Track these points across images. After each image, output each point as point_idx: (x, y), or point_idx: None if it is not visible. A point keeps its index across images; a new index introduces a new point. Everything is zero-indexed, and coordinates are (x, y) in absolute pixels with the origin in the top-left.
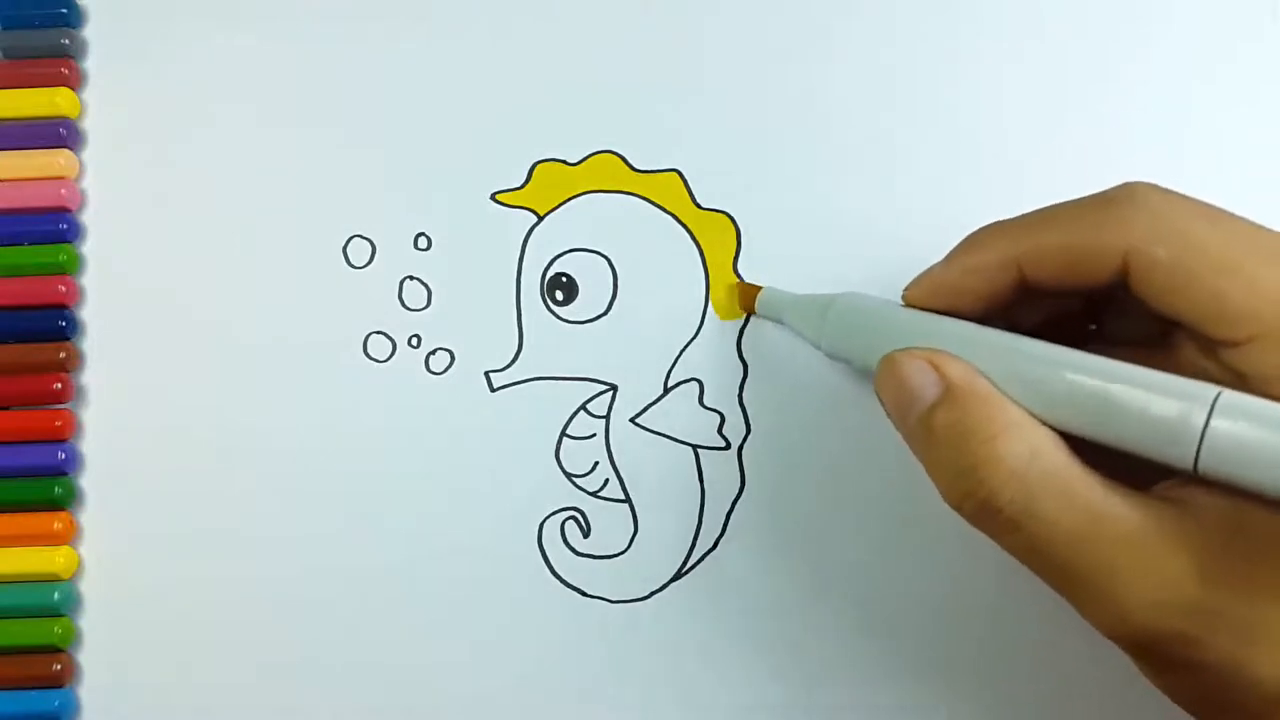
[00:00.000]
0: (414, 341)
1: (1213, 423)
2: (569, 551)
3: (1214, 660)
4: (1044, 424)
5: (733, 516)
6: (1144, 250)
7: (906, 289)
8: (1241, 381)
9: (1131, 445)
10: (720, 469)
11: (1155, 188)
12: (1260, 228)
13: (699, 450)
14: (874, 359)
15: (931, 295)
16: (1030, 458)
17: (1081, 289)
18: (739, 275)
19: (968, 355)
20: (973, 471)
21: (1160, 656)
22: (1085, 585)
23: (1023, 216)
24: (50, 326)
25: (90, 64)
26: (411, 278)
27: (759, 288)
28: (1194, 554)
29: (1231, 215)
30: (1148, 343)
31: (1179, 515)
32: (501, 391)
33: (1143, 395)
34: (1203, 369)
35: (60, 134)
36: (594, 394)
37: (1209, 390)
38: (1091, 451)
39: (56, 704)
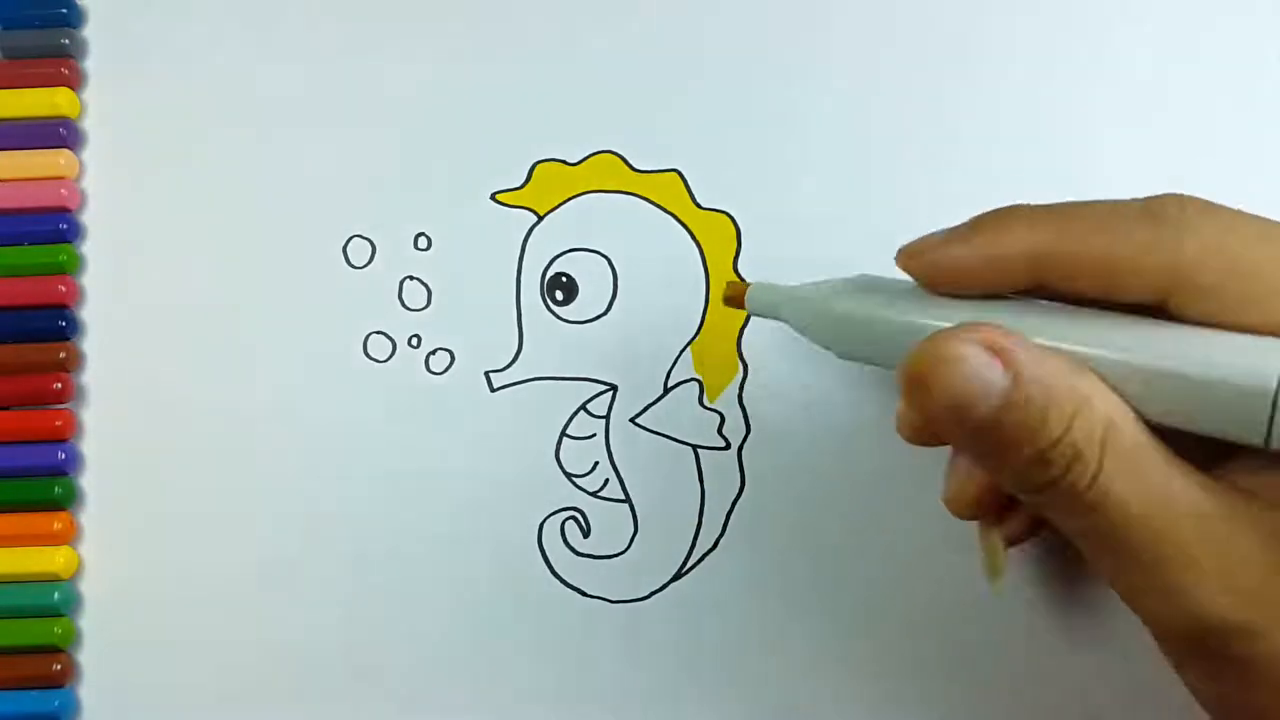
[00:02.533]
0: (414, 341)
1: None
2: (569, 551)
3: (1275, 654)
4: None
5: (733, 516)
6: (1193, 274)
7: (909, 258)
8: None
9: (1202, 420)
10: (720, 469)
11: (1204, 203)
12: None
13: (699, 450)
14: (895, 350)
15: (940, 275)
16: (1108, 430)
17: (1105, 299)
18: (739, 275)
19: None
20: (1052, 459)
21: (1215, 652)
22: (1153, 572)
23: (1056, 209)
24: (50, 326)
25: (90, 64)
26: (411, 278)
27: (746, 284)
28: (1265, 541)
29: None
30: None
31: (1250, 502)
32: (501, 391)
33: (1217, 359)
34: None
35: (60, 134)
36: (594, 394)
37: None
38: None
39: (56, 704)
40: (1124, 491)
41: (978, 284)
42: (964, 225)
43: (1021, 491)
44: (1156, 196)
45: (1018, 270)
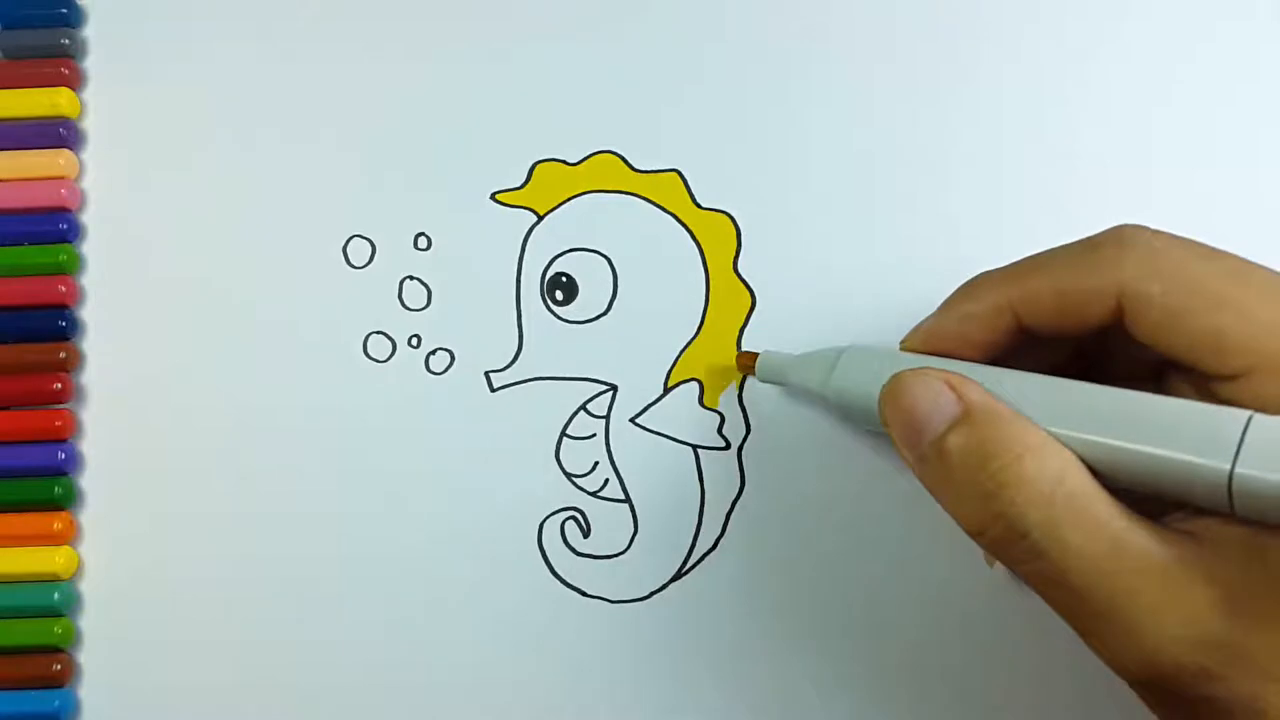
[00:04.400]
0: (414, 341)
1: (1246, 446)
2: (569, 551)
3: (1233, 696)
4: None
5: (733, 516)
6: (1138, 289)
7: (904, 340)
8: None
9: (1156, 476)
10: (720, 469)
11: (1144, 228)
12: (1252, 264)
13: (699, 450)
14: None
15: (929, 343)
16: (1057, 480)
17: (1077, 331)
18: (740, 276)
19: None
20: (996, 495)
21: (1176, 694)
22: (1105, 618)
23: (1015, 263)
24: (50, 326)
25: (90, 64)
26: (411, 278)
27: (756, 354)
28: (1217, 587)
29: (1224, 252)
30: (1140, 386)
31: (1198, 547)
32: (501, 391)
33: (1169, 421)
34: (1141, 377)
35: (60, 134)
36: (594, 394)
37: (1239, 415)
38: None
39: (56, 704)
40: (1073, 539)
41: (958, 342)
42: (948, 298)
43: (973, 532)
44: (1101, 232)
45: (989, 322)
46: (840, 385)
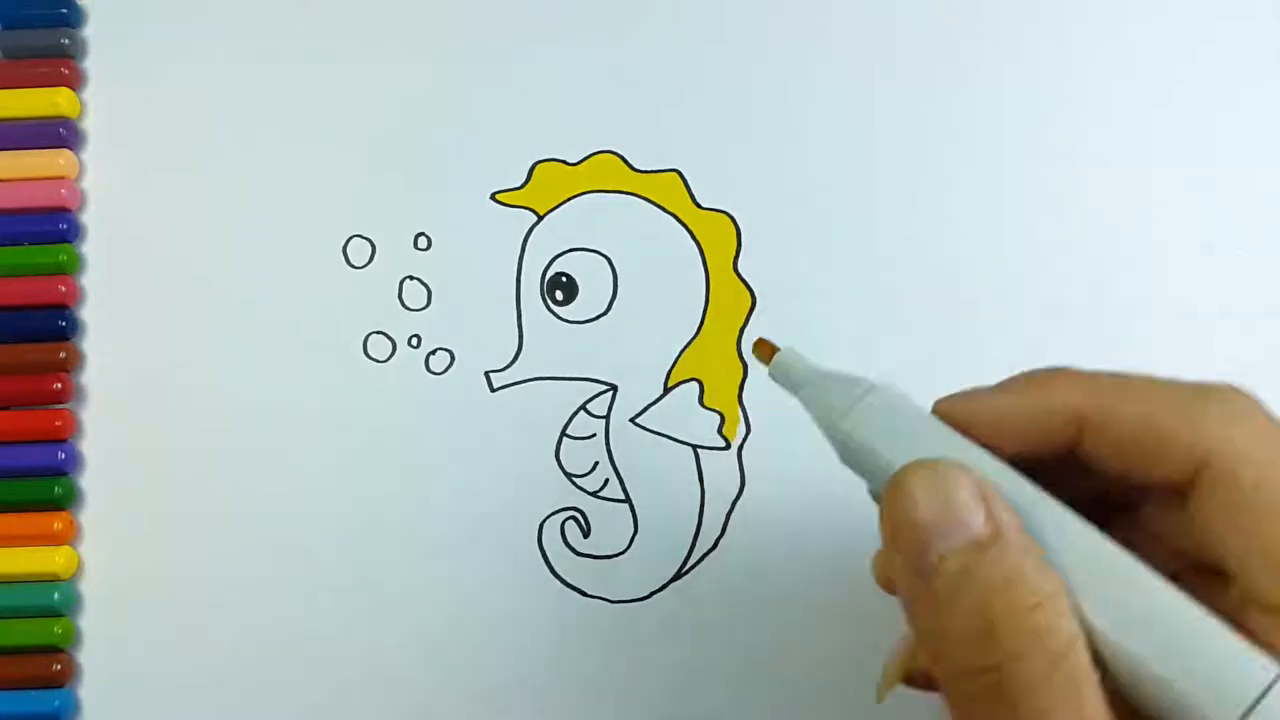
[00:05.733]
0: (414, 341)
1: (1264, 705)
2: (569, 551)
3: None
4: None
5: (733, 516)
6: (1227, 464)
7: (941, 402)
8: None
9: (1155, 695)
10: (720, 469)
11: (1260, 404)
12: None
13: (699, 450)
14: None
15: (969, 420)
16: (1062, 654)
17: (1136, 476)
18: (740, 276)
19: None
20: (997, 642)
21: None
22: None
23: (1105, 373)
24: (50, 326)
25: (90, 64)
26: (411, 278)
27: (776, 347)
28: None
29: None
30: (1104, 501)
31: None
32: (501, 391)
33: (1196, 645)
34: (1168, 545)
35: (60, 134)
36: (594, 394)
37: (1269, 668)
38: None
39: (56, 704)
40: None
41: (1017, 434)
42: (1012, 378)
43: (959, 679)
44: (1213, 382)
45: (1058, 426)
46: (853, 432)
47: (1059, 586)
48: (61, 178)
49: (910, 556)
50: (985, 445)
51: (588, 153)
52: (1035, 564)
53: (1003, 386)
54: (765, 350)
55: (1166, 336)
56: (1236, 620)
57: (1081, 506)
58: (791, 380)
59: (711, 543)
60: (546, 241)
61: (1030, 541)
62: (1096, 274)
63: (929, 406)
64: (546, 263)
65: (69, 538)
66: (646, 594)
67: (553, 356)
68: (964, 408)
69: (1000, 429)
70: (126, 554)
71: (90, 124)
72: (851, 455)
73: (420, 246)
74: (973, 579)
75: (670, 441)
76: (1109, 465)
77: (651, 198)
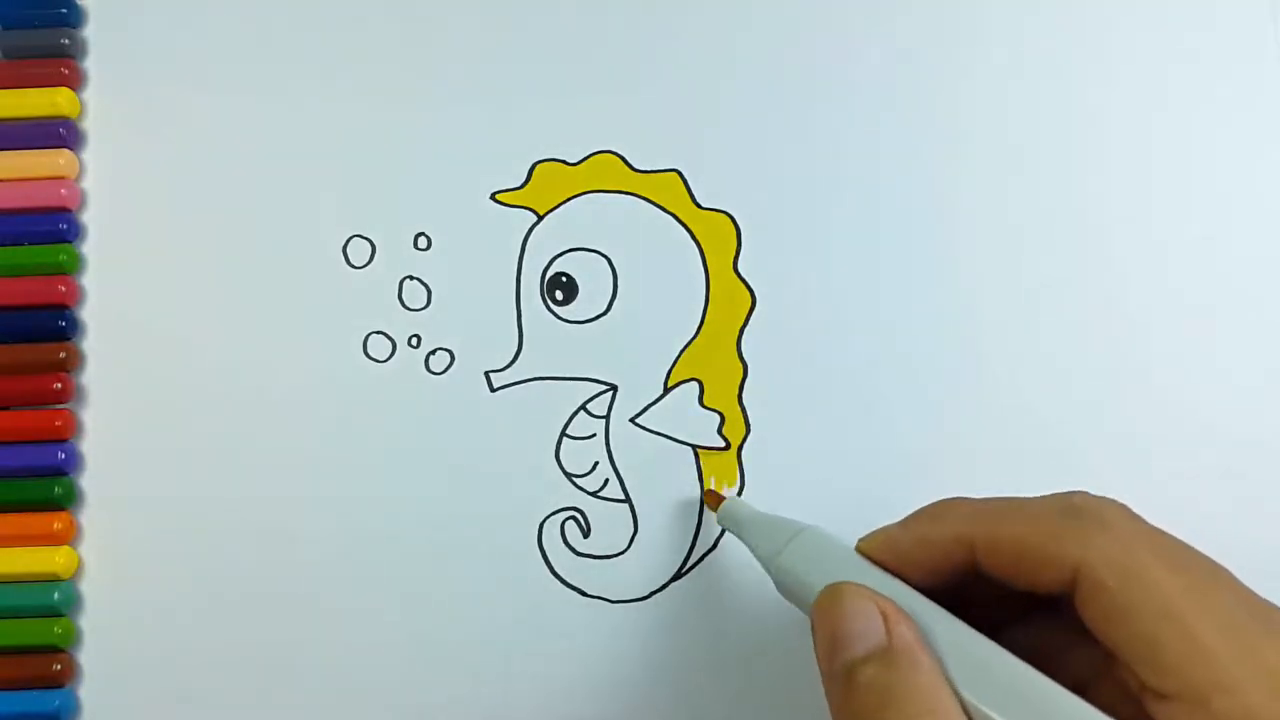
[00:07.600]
0: (414, 341)
1: None
2: (569, 551)
3: None
4: None
5: None
6: (1095, 575)
7: (862, 540)
8: None
9: None
10: (720, 469)
11: (1126, 511)
12: (1224, 580)
13: (699, 450)
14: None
15: (883, 553)
16: None
17: (1029, 589)
18: (740, 276)
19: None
20: None
21: None
22: None
23: (988, 500)
24: (50, 326)
25: (90, 64)
26: (411, 278)
27: (724, 497)
28: None
29: (1199, 562)
30: (1086, 662)
31: None
32: (501, 391)
33: None
34: (1128, 708)
35: (60, 134)
36: (594, 394)
37: None
38: None
39: (56, 704)
40: None
41: (921, 562)
42: (916, 513)
43: None
44: (1081, 496)
45: (954, 551)
46: (786, 567)
47: (947, 701)
48: (61, 178)
49: (822, 662)
50: (895, 573)
51: (588, 153)
52: (926, 676)
53: (907, 522)
54: (713, 500)
55: (1166, 337)
56: (1140, 706)
57: (1014, 608)
58: (736, 524)
59: (711, 543)
60: (546, 241)
61: (923, 656)
62: (1099, 272)
63: (931, 424)
64: (546, 263)
65: (69, 538)
66: (646, 594)
67: (552, 356)
68: (878, 543)
69: (907, 558)
70: (126, 554)
71: (90, 124)
72: (785, 587)
73: (420, 246)
74: (866, 685)
75: (670, 441)
76: (1006, 579)
77: (651, 198)
